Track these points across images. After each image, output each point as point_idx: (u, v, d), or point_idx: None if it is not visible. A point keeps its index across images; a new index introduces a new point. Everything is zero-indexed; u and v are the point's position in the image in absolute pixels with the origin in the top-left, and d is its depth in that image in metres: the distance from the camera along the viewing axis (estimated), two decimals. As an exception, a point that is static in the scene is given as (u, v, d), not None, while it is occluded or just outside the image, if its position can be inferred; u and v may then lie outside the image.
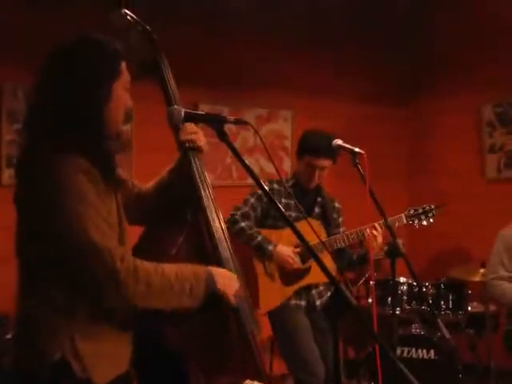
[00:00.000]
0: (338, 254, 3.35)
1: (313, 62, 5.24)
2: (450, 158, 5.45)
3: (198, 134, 2.04)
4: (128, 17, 2.01)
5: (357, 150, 2.86)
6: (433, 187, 5.49)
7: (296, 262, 3.26)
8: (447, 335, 2.69)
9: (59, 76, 1.71)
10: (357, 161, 2.82)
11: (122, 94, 1.79)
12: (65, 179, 1.61)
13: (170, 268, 1.73)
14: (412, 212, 3.42)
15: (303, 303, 3.35)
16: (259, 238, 3.25)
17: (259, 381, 1.95)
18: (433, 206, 3.45)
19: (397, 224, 3.35)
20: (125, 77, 1.79)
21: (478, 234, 4.93)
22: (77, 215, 1.60)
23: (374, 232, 3.22)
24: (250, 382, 1.92)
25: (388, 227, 2.96)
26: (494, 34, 5.07)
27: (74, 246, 1.61)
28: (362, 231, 3.26)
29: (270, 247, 3.23)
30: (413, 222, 3.42)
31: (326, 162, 3.28)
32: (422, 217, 3.42)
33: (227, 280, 1.86)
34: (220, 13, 4.67)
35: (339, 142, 3.01)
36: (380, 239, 3.23)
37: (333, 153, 3.21)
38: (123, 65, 1.79)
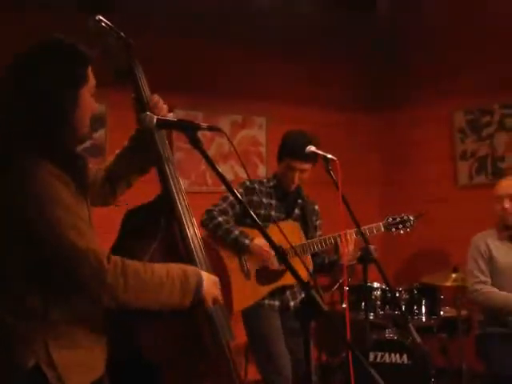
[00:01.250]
0: (312, 256, 3.36)
1: (288, 70, 5.27)
2: (423, 166, 5.52)
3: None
4: (102, 23, 2.00)
5: (330, 156, 2.88)
6: (406, 194, 5.55)
7: (271, 253, 3.22)
8: (418, 339, 2.71)
9: (25, 82, 1.66)
10: (330, 167, 2.84)
11: (89, 99, 1.76)
12: (40, 185, 1.59)
13: (159, 266, 1.74)
14: (390, 220, 3.44)
15: (277, 303, 3.35)
16: (236, 232, 3.23)
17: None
18: (411, 217, 3.45)
19: (375, 232, 3.36)
20: (91, 82, 1.76)
21: (450, 240, 5.00)
22: (57, 220, 1.58)
23: (347, 238, 3.25)
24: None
25: (360, 234, 2.98)
26: (464, 43, 5.16)
27: (57, 252, 1.60)
28: (338, 237, 3.28)
29: (247, 241, 3.22)
30: (390, 230, 3.43)
31: (305, 165, 3.29)
32: (400, 225, 3.44)
33: (211, 284, 1.86)
34: (196, 19, 4.67)
35: (312, 148, 3.03)
36: (351, 247, 3.25)
37: (313, 156, 3.21)
38: (89, 70, 1.75)
